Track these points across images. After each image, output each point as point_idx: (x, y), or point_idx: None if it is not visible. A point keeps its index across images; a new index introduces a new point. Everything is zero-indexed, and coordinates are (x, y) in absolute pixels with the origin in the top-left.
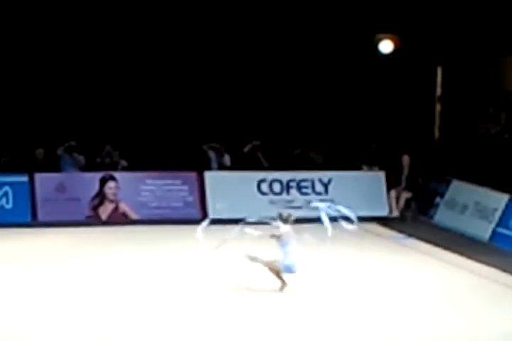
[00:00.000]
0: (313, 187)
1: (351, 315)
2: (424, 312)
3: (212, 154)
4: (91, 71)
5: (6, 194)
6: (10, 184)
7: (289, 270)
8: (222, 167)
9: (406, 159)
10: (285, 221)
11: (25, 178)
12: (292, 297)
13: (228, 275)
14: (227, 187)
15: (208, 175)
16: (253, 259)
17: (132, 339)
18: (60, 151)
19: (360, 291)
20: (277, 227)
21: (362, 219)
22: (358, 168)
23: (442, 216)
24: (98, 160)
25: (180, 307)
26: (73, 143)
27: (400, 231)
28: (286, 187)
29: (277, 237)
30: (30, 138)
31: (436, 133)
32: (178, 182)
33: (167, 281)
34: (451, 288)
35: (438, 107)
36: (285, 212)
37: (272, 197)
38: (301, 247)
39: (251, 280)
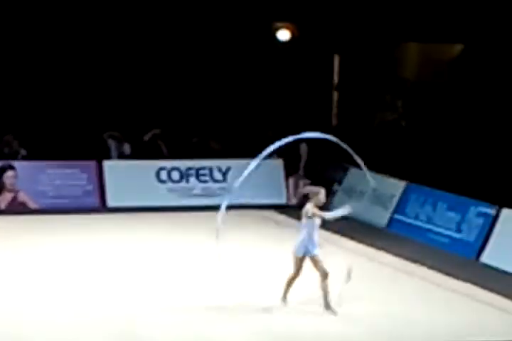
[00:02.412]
0: (211, 175)
1: (254, 302)
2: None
3: (112, 143)
4: None
5: None
6: None
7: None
8: (122, 155)
9: (304, 147)
10: (306, 198)
11: None
12: (205, 283)
13: (131, 263)
14: (126, 175)
15: (107, 164)
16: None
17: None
18: None
19: (267, 277)
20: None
21: (261, 207)
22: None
23: (340, 203)
24: None
25: (83, 297)
26: None
27: (298, 218)
28: (185, 176)
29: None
30: None
31: (334, 121)
32: (76, 171)
33: (65, 270)
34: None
35: (335, 95)
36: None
37: (170, 185)
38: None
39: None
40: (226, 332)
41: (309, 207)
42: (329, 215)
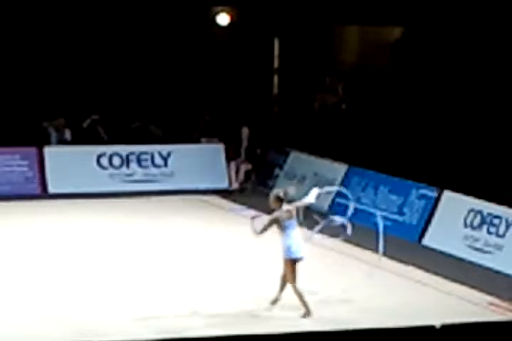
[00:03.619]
0: (152, 160)
1: (197, 286)
2: (270, 281)
3: (52, 130)
4: None
5: None
6: None
7: (293, 254)
8: (63, 142)
9: (245, 131)
10: (280, 201)
11: None
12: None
13: (70, 249)
14: (66, 162)
15: (48, 151)
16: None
17: None
18: None
19: (213, 261)
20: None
21: (202, 192)
22: (197, 141)
23: (282, 187)
24: None
25: (20, 281)
26: None
27: (240, 203)
28: (126, 161)
29: (277, 221)
30: None
31: (274, 105)
32: (17, 157)
33: (9, 257)
34: None
35: (276, 79)
36: (280, 191)
37: (111, 170)
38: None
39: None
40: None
41: (284, 210)
42: (306, 201)
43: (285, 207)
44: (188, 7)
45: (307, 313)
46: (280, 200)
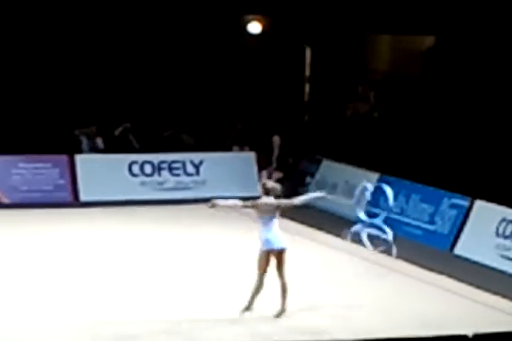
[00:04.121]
0: (184, 168)
1: (226, 294)
2: (300, 291)
3: (83, 138)
4: None
5: None
6: None
7: (271, 245)
8: (95, 150)
9: (276, 139)
10: (267, 191)
11: None
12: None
13: (101, 256)
14: (98, 169)
15: (79, 158)
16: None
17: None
18: None
19: (236, 271)
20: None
21: None
22: (229, 149)
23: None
24: None
25: (54, 289)
26: None
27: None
28: (158, 169)
29: (251, 207)
30: None
31: (306, 113)
32: (48, 165)
33: (38, 264)
34: (323, 266)
35: (307, 87)
36: (269, 183)
37: (143, 178)
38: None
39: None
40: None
41: (274, 200)
42: (294, 201)
43: (267, 199)
44: (220, 16)
45: (246, 308)
46: (266, 192)
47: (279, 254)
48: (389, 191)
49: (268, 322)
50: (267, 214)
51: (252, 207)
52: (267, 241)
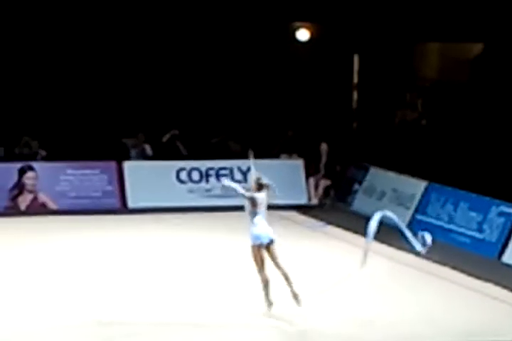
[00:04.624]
0: (232, 175)
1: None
2: (345, 298)
3: (131, 145)
4: (5, 59)
5: None
6: None
7: (260, 239)
8: (144, 157)
9: (324, 147)
10: (260, 187)
11: None
12: (210, 284)
13: (149, 262)
14: (146, 176)
15: (127, 165)
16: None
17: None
18: None
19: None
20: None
21: (281, 207)
22: (277, 156)
23: (360, 203)
24: (17, 150)
25: (102, 296)
26: None
27: (319, 218)
28: (205, 176)
29: (249, 198)
30: None
31: (354, 121)
32: (96, 171)
33: (86, 270)
34: (370, 274)
35: (355, 95)
36: (264, 180)
37: (191, 185)
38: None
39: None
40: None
41: (264, 196)
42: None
43: (260, 194)
44: (268, 23)
45: (268, 305)
46: (259, 187)
47: (270, 247)
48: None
49: (298, 329)
50: (258, 208)
51: (250, 199)
52: (256, 237)
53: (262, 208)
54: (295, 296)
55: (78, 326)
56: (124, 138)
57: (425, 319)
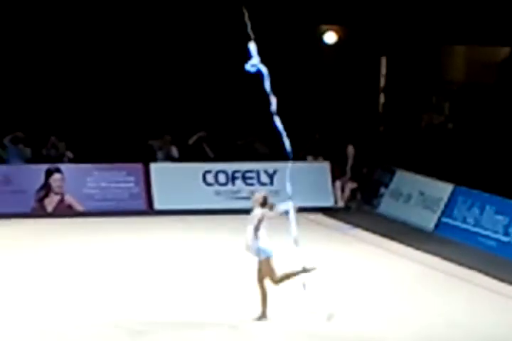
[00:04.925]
0: (258, 177)
1: (300, 305)
2: (370, 301)
3: (158, 147)
4: (35, 62)
5: None
6: None
7: (268, 252)
8: (169, 159)
9: (351, 149)
10: (264, 204)
11: None
12: (243, 289)
13: (175, 265)
14: (172, 178)
15: (154, 167)
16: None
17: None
18: (6, 141)
19: (306, 282)
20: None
21: (307, 210)
22: (303, 159)
23: (387, 206)
24: (44, 152)
25: (127, 297)
26: (20, 134)
27: (346, 221)
28: (232, 178)
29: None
30: None
31: (380, 124)
32: (123, 173)
33: (112, 272)
34: (396, 277)
35: (382, 97)
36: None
37: (217, 187)
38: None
39: (198, 271)
40: None
41: (265, 211)
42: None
43: (256, 210)
44: (296, 26)
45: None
46: (264, 203)
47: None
48: None
49: (323, 331)
50: (264, 223)
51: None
52: (265, 250)
53: (252, 223)
54: (263, 316)
55: (98, 325)
56: (151, 140)
57: (451, 322)
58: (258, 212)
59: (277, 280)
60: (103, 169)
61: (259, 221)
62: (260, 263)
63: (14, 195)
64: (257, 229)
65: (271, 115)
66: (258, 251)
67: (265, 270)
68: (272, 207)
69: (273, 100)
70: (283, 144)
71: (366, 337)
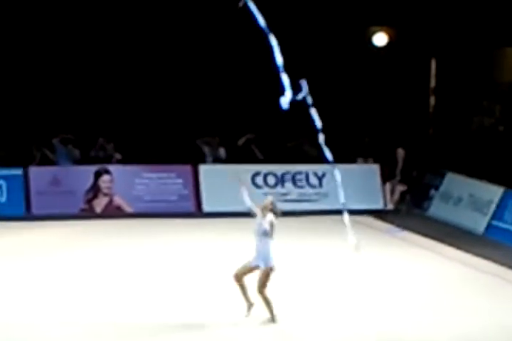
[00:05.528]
0: (307, 180)
1: (349, 307)
2: (420, 304)
3: (206, 148)
4: (85, 65)
5: (0, 187)
6: (4, 177)
7: (272, 263)
8: (217, 160)
9: (400, 152)
10: (274, 212)
11: (19, 172)
12: (289, 291)
13: (224, 267)
14: (221, 180)
15: (203, 169)
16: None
17: (127, 331)
18: (55, 142)
19: (356, 284)
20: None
21: (357, 212)
22: (353, 161)
23: (437, 209)
24: (92, 153)
25: (176, 298)
26: (70, 136)
27: (395, 224)
28: (281, 180)
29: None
30: (25, 133)
31: (430, 126)
32: (172, 175)
33: (161, 274)
34: (445, 280)
35: (432, 99)
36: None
37: (266, 190)
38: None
39: None
40: None
41: (274, 218)
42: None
43: (272, 217)
44: (346, 27)
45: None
46: (271, 209)
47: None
48: None
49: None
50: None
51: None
52: (272, 260)
53: (261, 229)
54: (273, 319)
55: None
56: (199, 140)
57: (502, 325)
58: (269, 218)
59: (262, 292)
60: (152, 170)
61: (272, 227)
62: (262, 269)
63: (63, 196)
64: (268, 235)
65: (321, 117)
66: (267, 259)
67: (262, 278)
68: (278, 214)
69: (315, 116)
70: (332, 146)
71: (410, 339)
